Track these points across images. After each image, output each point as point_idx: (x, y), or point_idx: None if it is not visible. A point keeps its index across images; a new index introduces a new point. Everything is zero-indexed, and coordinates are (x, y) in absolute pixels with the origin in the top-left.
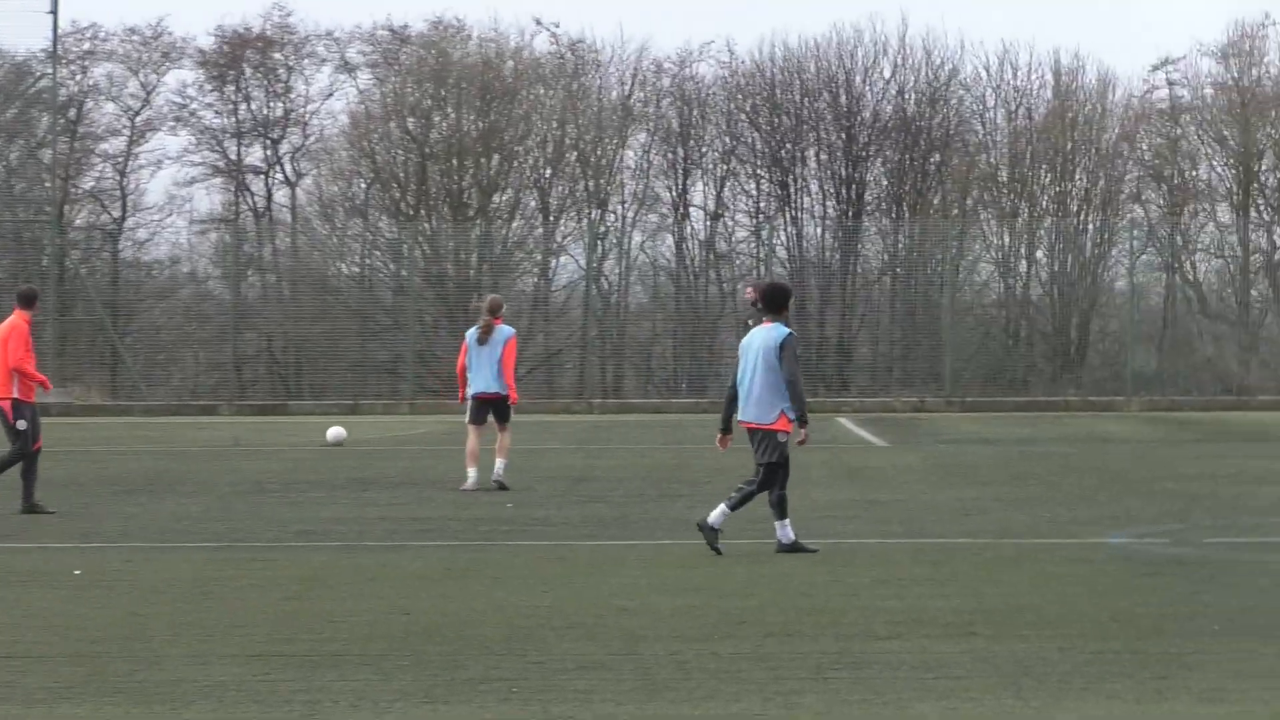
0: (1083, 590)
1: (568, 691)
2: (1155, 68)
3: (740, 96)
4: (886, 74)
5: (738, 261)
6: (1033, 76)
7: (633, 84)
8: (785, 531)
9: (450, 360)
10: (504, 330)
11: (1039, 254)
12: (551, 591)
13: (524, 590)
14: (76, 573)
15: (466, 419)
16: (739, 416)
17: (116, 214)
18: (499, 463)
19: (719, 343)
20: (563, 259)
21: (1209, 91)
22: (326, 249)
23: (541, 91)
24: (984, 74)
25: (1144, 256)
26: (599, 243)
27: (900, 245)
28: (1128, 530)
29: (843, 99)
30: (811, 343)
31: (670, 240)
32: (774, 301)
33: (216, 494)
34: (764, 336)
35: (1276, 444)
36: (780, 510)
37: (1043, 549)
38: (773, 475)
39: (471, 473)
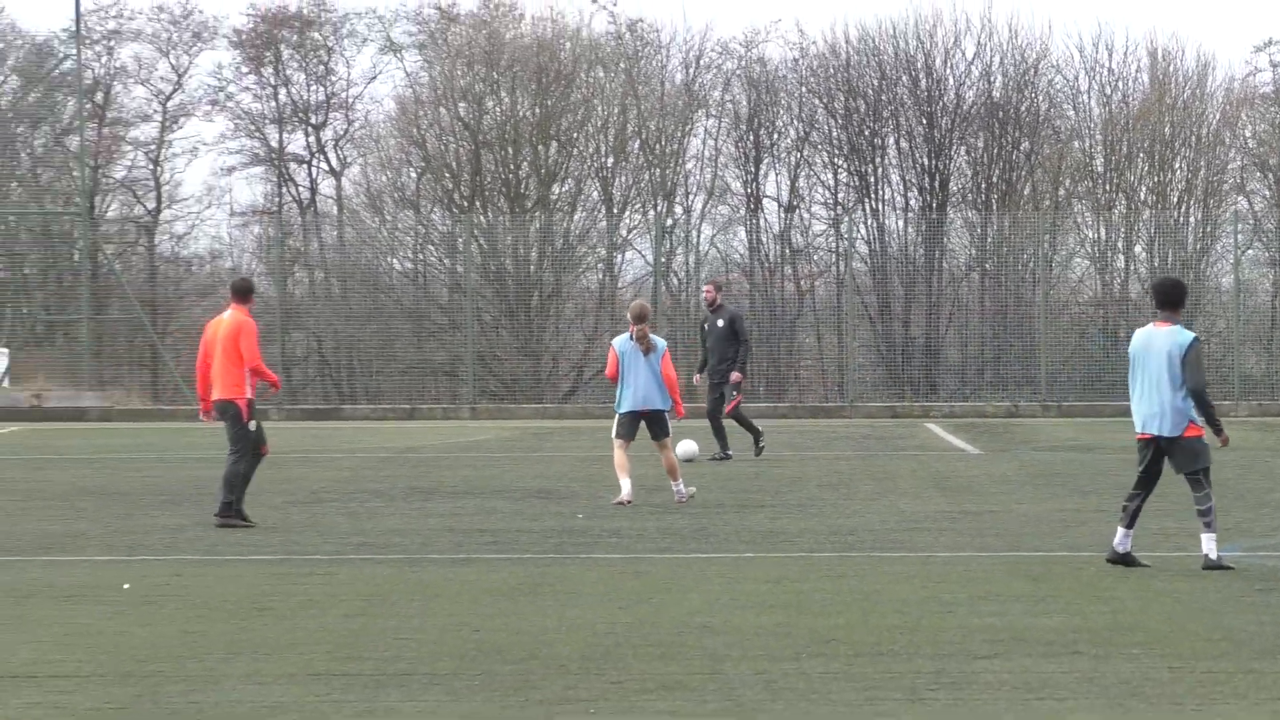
0: (1192, 607)
1: (649, 714)
2: (1258, 49)
3: (813, 80)
4: (969, 55)
5: (815, 256)
6: (1128, 59)
7: (697, 66)
8: (1212, 545)
9: (513, 362)
10: (660, 340)
11: (1137, 249)
12: (629, 608)
13: (599, 607)
14: (125, 587)
15: (614, 433)
16: (1140, 429)
17: (151, 205)
18: (677, 485)
19: (798, 343)
20: (629, 254)
21: None
22: (377, 243)
23: (601, 75)
24: (1076, 55)
25: (1250, 251)
26: (667, 236)
27: (989, 239)
28: (1239, 544)
29: (923, 82)
30: (896, 344)
31: (742, 234)
32: (1173, 299)
33: (270, 504)
34: (1166, 340)
35: None
36: (1210, 522)
37: (1149, 563)
38: (1197, 482)
39: (626, 483)
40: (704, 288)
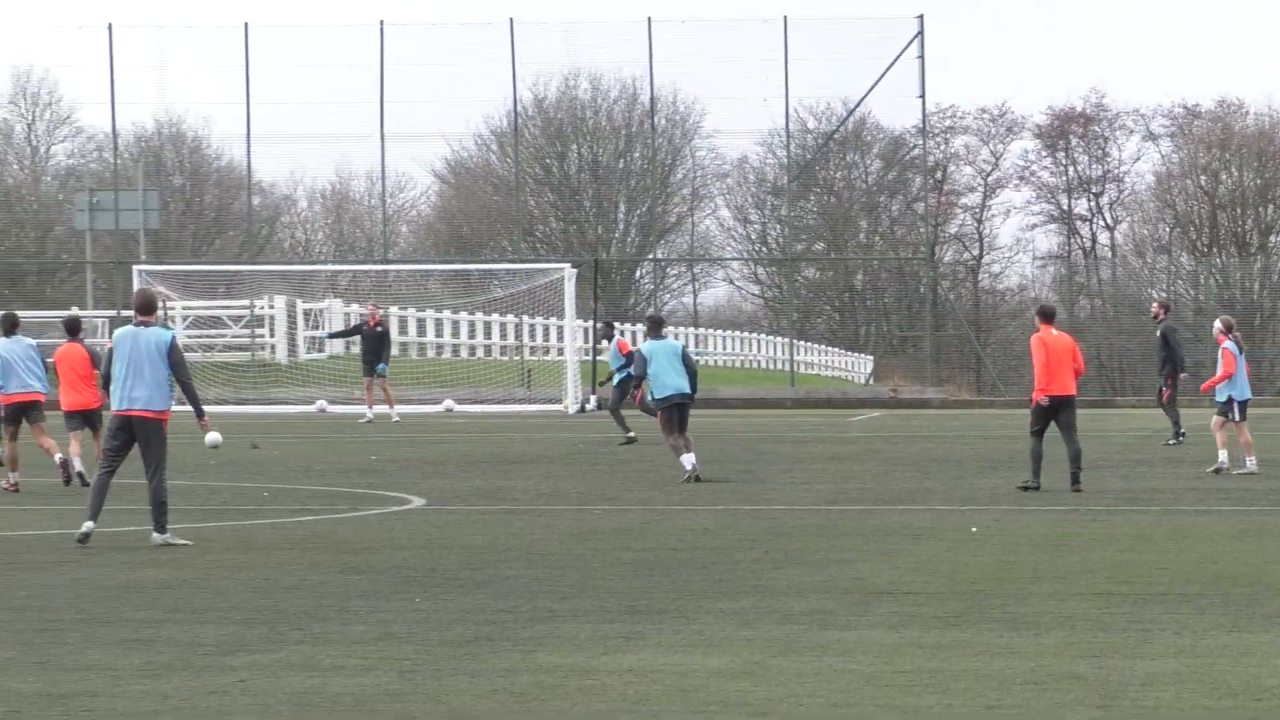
0: None
1: None
2: None
3: None
4: None
5: None
6: None
7: None
8: None
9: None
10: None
11: None
12: None
13: None
14: (974, 530)
15: (1236, 418)
16: None
17: (975, 252)
18: (1250, 459)
19: None
20: None
21: None
22: (1139, 279)
23: None
24: None
25: None
26: None
27: None
28: None
29: None
30: None
31: None
32: None
33: (1061, 468)
34: None
35: None
36: None
37: None
38: None
39: (1250, 461)
40: (1154, 306)
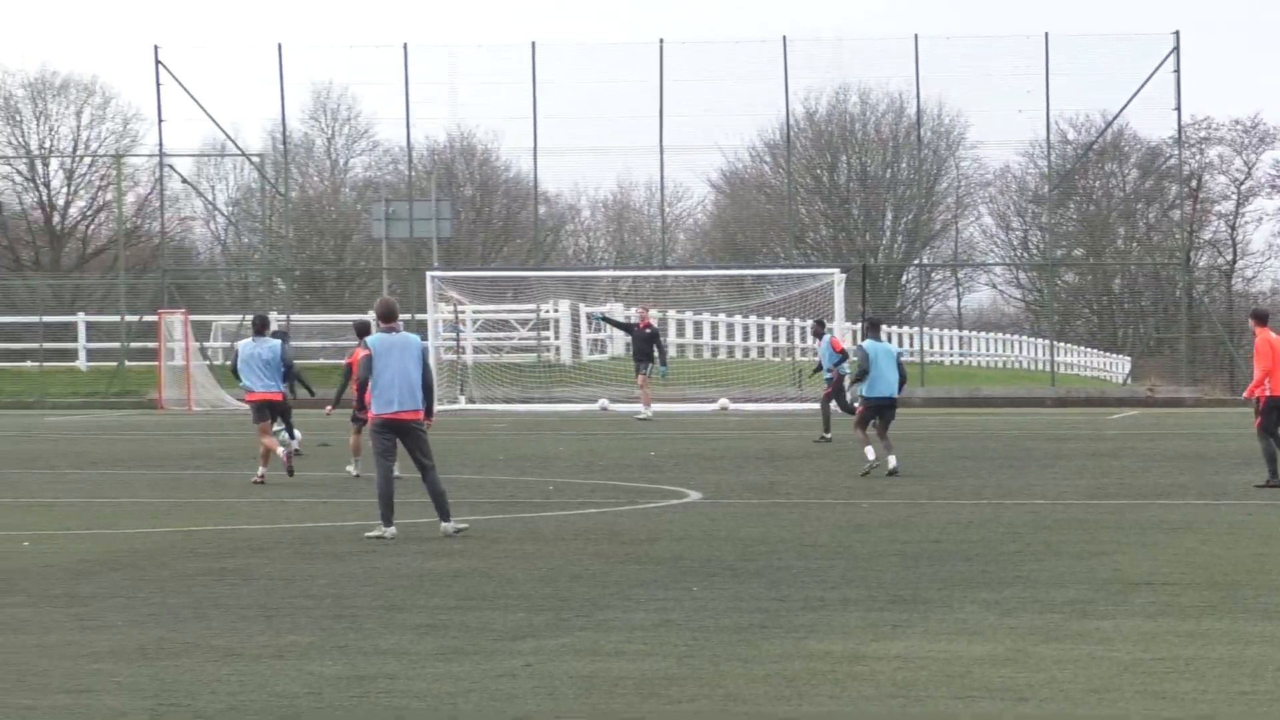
0: None
1: None
2: None
3: None
4: None
5: None
6: None
7: None
8: None
9: None
10: None
11: None
12: None
13: None
14: None
15: None
16: None
17: (1229, 258)
18: None
19: None
20: None
21: None
22: None
23: None
24: None
25: None
26: None
27: None
28: None
29: None
30: None
31: None
32: None
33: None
34: None
35: None
36: None
37: None
38: None
39: None
40: None
